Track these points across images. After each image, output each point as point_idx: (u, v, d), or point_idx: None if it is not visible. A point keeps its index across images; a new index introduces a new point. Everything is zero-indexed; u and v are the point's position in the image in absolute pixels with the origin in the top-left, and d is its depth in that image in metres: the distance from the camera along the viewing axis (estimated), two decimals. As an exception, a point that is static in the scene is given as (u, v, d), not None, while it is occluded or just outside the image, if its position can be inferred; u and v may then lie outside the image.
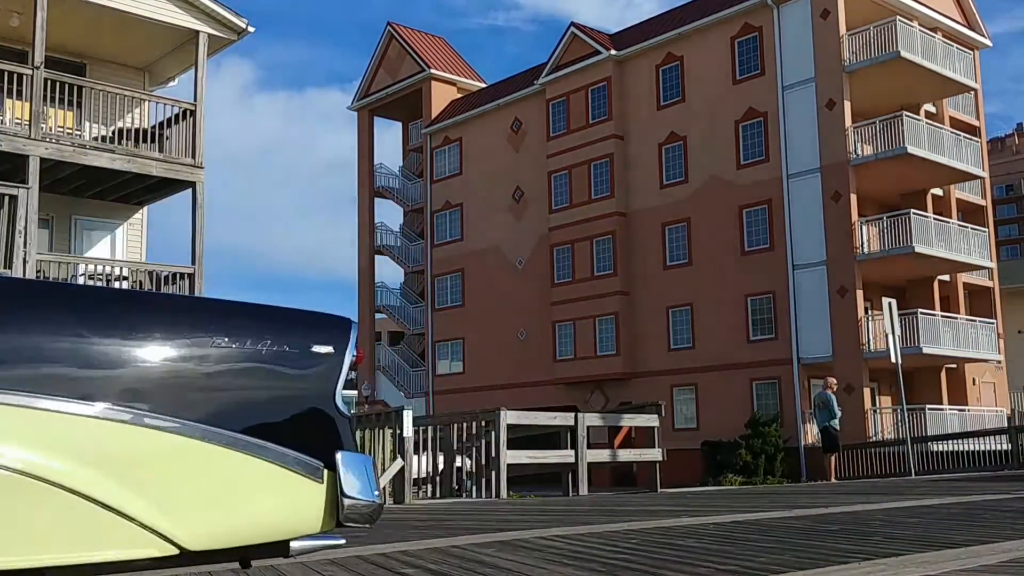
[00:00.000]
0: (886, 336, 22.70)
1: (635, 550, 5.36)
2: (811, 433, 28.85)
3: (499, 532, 6.71)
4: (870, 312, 30.47)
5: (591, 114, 37.53)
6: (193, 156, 19.14)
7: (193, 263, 18.78)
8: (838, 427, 20.32)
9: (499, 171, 41.17)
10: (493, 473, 13.58)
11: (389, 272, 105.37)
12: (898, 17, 31.03)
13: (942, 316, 31.31)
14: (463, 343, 41.95)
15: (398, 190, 46.48)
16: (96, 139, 18.64)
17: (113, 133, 18.79)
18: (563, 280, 37.87)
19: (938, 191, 35.15)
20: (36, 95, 17.29)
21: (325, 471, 2.90)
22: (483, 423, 13.96)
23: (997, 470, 22.88)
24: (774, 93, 32.55)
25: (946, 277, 34.35)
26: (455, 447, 14.10)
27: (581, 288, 37.07)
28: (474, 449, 14.02)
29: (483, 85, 45.25)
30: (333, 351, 3.06)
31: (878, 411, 31.13)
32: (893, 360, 21.71)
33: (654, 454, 16.20)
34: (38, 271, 17.01)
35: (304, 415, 2.97)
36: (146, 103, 20.50)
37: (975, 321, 32.91)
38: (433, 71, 44.30)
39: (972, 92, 35.85)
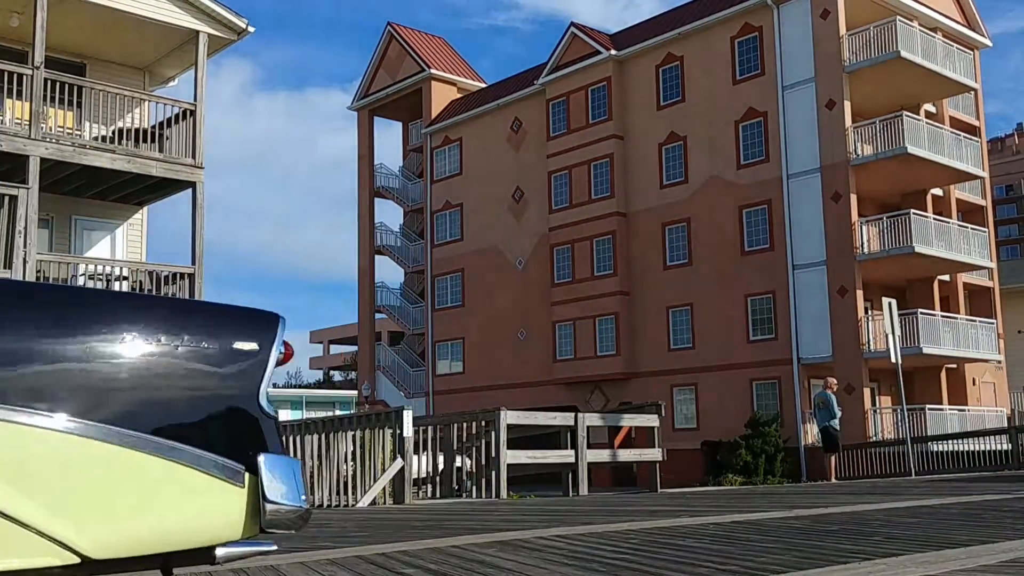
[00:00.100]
0: (886, 336, 22.70)
1: (635, 550, 5.36)
2: (811, 433, 28.84)
3: (499, 532, 6.71)
4: (870, 312, 30.47)
5: (591, 114, 37.53)
6: (193, 156, 19.14)
7: (193, 263, 18.78)
8: (838, 427, 20.32)
9: (499, 171, 41.16)
10: (493, 473, 13.58)
11: (389, 272, 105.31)
12: (898, 17, 31.03)
13: (942, 316, 31.30)
14: (463, 343, 41.95)
15: (398, 190, 46.48)
16: (96, 139, 18.65)
17: (113, 133, 18.79)
18: (563, 280, 37.87)
19: (938, 191, 35.15)
20: (36, 95, 17.29)
21: (247, 475, 2.76)
22: (483, 423, 13.96)
23: (997, 470, 22.89)
24: (774, 93, 32.55)
25: (946, 277, 34.35)
26: (455, 447, 14.10)
27: (581, 288, 37.07)
28: (474, 449, 14.02)
29: (483, 85, 45.25)
30: (258, 348, 2.92)
31: (878, 411, 31.13)
32: (893, 360, 21.72)
33: (654, 454, 16.20)
34: (38, 271, 17.01)
35: (224, 416, 2.83)
36: (146, 103, 20.50)
37: (975, 321, 32.91)
38: (433, 71, 44.30)
39: (972, 92, 35.84)
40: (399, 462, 12.60)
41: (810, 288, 31.17)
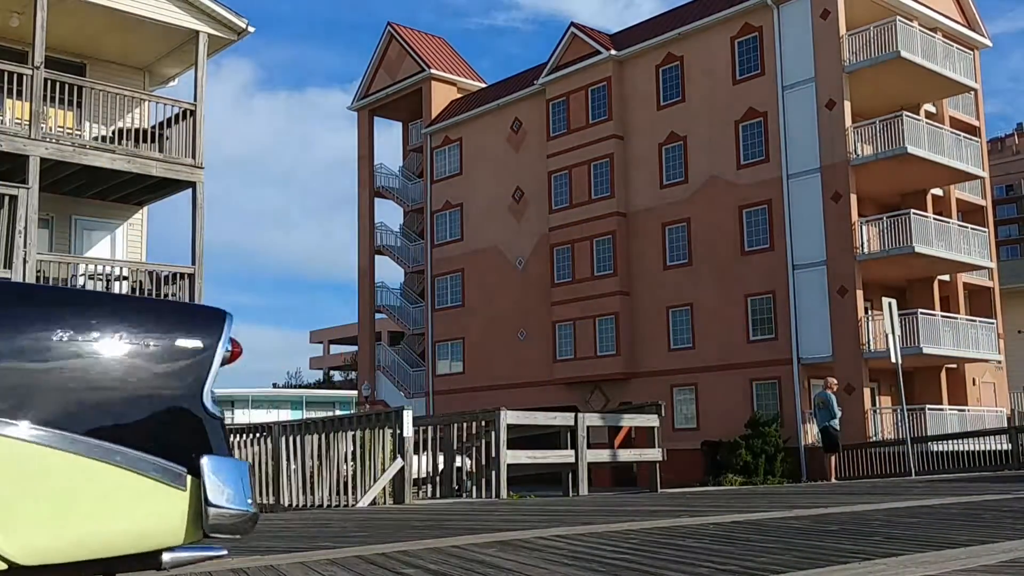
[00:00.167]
0: (886, 336, 22.70)
1: (635, 550, 5.36)
2: (811, 433, 28.84)
3: (499, 532, 6.71)
4: (870, 312, 30.47)
5: (591, 114, 37.53)
6: (193, 156, 19.14)
7: (193, 263, 18.78)
8: (838, 427, 20.33)
9: (499, 171, 41.16)
10: (493, 473, 13.58)
11: (389, 272, 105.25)
12: (898, 17, 31.03)
13: (942, 316, 31.30)
14: (463, 343, 41.95)
15: (398, 190, 46.48)
16: (96, 139, 18.65)
17: (113, 133, 18.80)
18: (563, 280, 37.87)
19: (938, 191, 35.15)
20: (36, 95, 17.29)
21: (189, 477, 2.66)
22: (483, 423, 13.95)
23: (997, 470, 22.89)
24: (774, 93, 32.55)
25: (946, 277, 34.35)
26: (455, 447, 14.10)
27: (581, 288, 37.07)
28: (474, 449, 14.02)
29: (483, 85, 45.25)
30: (202, 346, 2.81)
31: (878, 411, 31.12)
32: (893, 360, 21.72)
33: (654, 454, 16.20)
34: (38, 271, 17.01)
35: (165, 416, 2.72)
36: (146, 103, 20.51)
37: (975, 321, 32.90)
38: (433, 71, 44.30)
39: (972, 92, 35.84)
40: (399, 462, 12.60)
41: (810, 288, 31.17)
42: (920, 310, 30.33)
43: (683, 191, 34.86)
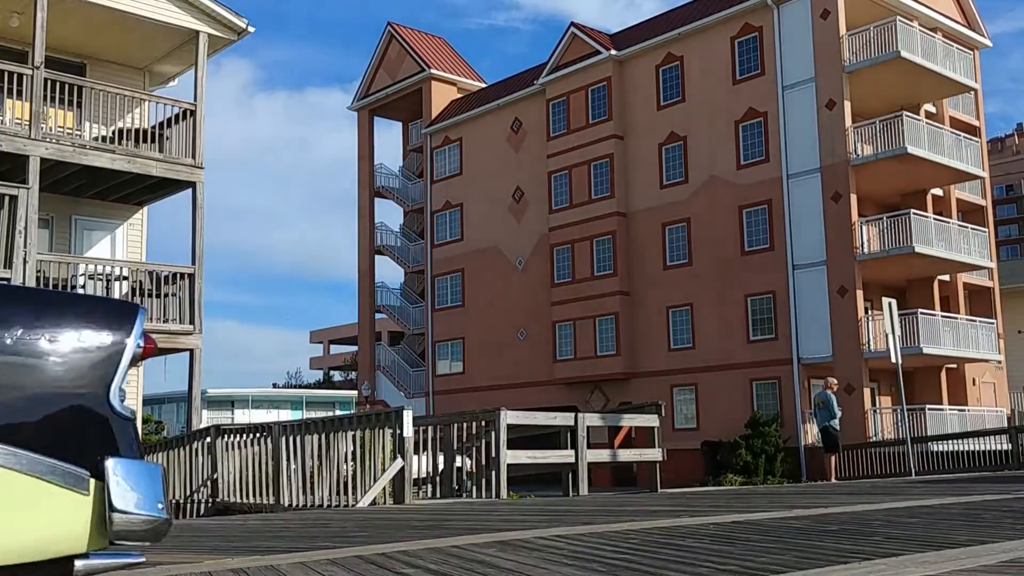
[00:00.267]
0: (886, 336, 22.70)
1: (636, 550, 5.36)
2: (811, 433, 28.85)
3: (499, 532, 6.71)
4: (870, 312, 30.47)
5: (591, 114, 37.53)
6: (193, 156, 19.15)
7: (193, 263, 18.79)
8: (838, 427, 20.33)
9: (499, 171, 41.17)
10: (493, 473, 13.57)
11: (389, 272, 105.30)
12: (898, 17, 31.03)
13: (942, 316, 31.30)
14: (463, 343, 41.95)
15: (398, 190, 46.49)
16: (96, 139, 18.65)
17: (113, 133, 18.80)
18: (563, 280, 37.87)
19: (938, 191, 35.16)
20: (36, 95, 17.30)
21: (92, 481, 2.51)
22: (483, 423, 13.95)
23: (997, 470, 22.90)
24: (774, 93, 32.55)
25: (946, 277, 34.36)
26: (455, 447, 14.09)
27: (581, 288, 37.07)
28: (474, 449, 14.01)
29: (483, 85, 45.26)
30: (110, 342, 2.65)
31: (878, 411, 31.13)
32: (893, 360, 21.72)
33: (654, 454, 16.20)
34: (38, 271, 17.01)
35: (67, 416, 2.55)
36: (146, 103, 20.51)
37: (975, 321, 32.91)
38: (433, 71, 44.30)
39: (972, 92, 35.85)
40: (399, 462, 12.60)
41: (810, 288, 31.17)
42: (920, 310, 30.33)
43: (683, 191, 34.86)
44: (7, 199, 16.45)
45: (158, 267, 18.95)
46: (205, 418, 39.95)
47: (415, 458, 13.20)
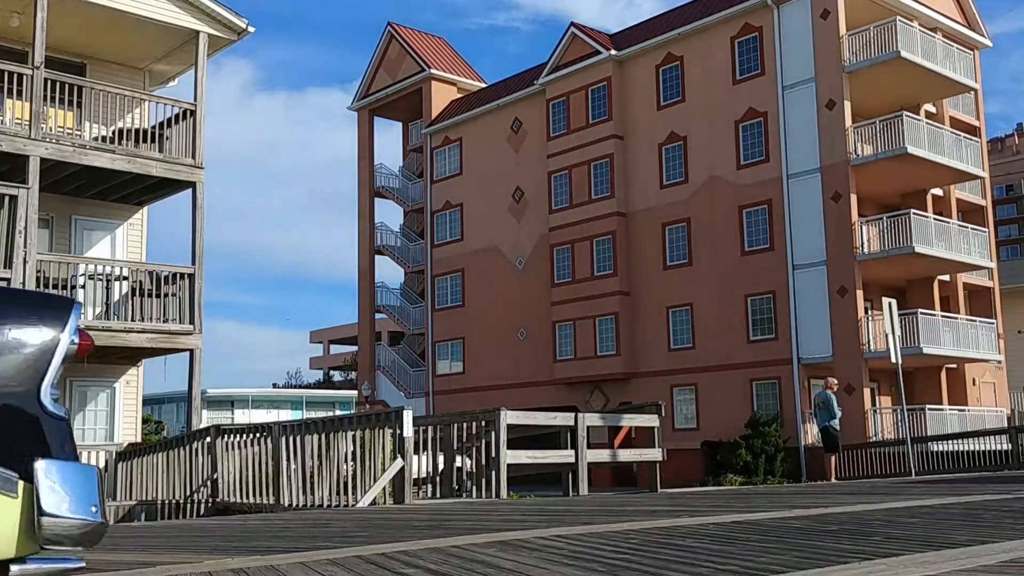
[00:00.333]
0: (886, 336, 22.70)
1: (636, 550, 5.36)
2: (811, 433, 28.85)
3: (499, 532, 6.71)
4: (870, 312, 30.47)
5: (591, 114, 37.53)
6: (193, 156, 19.15)
7: (193, 263, 18.79)
8: (838, 427, 20.33)
9: (499, 171, 41.17)
10: (493, 473, 13.57)
11: (389, 272, 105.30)
12: (898, 17, 31.03)
13: (942, 316, 31.30)
14: (463, 343, 41.95)
15: (398, 190, 46.49)
16: (96, 139, 18.66)
17: (113, 133, 18.81)
18: (563, 280, 37.88)
19: (938, 191, 35.15)
20: (36, 95, 17.30)
21: (21, 483, 2.41)
22: (483, 423, 13.95)
23: (997, 470, 22.89)
24: (774, 93, 32.55)
25: (946, 277, 34.36)
26: (455, 447, 14.10)
27: (581, 288, 37.07)
28: (474, 449, 14.02)
29: (483, 85, 45.25)
30: (42, 339, 2.54)
31: (878, 411, 31.13)
32: (893, 360, 21.72)
33: (654, 454, 16.20)
34: (38, 271, 17.01)
35: None
36: (146, 103, 20.52)
37: (975, 321, 32.91)
38: (433, 71, 44.30)
39: (972, 92, 35.85)
40: (399, 462, 12.60)
41: (810, 288, 31.17)
42: (920, 310, 30.33)
43: (683, 191, 34.86)
44: (7, 199, 16.45)
45: (158, 267, 18.95)
46: (205, 418, 39.95)
47: (415, 458, 13.20)
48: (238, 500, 15.21)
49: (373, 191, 46.18)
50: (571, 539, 6.10)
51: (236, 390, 58.75)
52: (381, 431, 12.89)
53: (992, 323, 33.68)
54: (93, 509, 2.49)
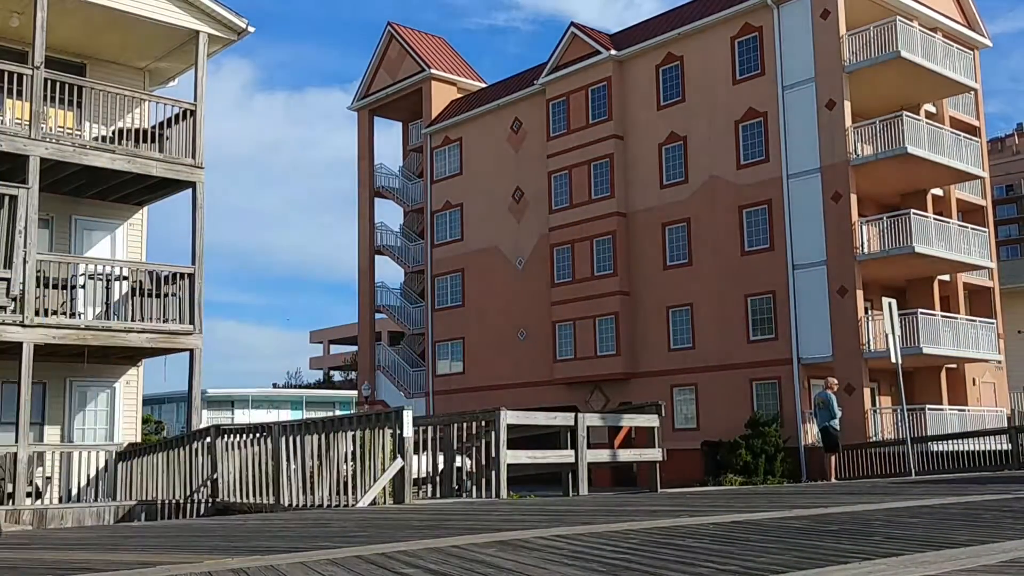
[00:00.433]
0: (886, 336, 22.70)
1: (636, 550, 5.36)
2: (811, 433, 28.85)
3: (499, 532, 6.71)
4: (870, 312, 30.47)
5: (591, 114, 37.53)
6: (193, 156, 19.15)
7: (193, 263, 18.79)
8: (838, 427, 20.34)
9: (499, 171, 41.17)
10: (493, 473, 13.57)
11: (389, 272, 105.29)
12: (898, 17, 31.02)
13: (942, 316, 31.30)
14: (463, 343, 41.95)
15: (398, 190, 46.49)
16: (96, 139, 18.66)
17: (113, 133, 18.80)
18: (563, 280, 37.87)
19: (938, 191, 35.15)
20: (36, 95, 17.30)
21: None
22: (483, 423, 13.95)
23: (997, 470, 22.90)
24: (774, 93, 32.55)
25: (946, 277, 34.35)
26: (455, 447, 14.10)
27: (581, 288, 37.07)
28: (474, 449, 14.02)
29: (483, 85, 45.25)
30: None
31: (878, 411, 31.12)
32: (893, 360, 21.72)
33: (654, 454, 16.20)
34: (38, 271, 17.01)
35: None
36: (146, 103, 20.51)
37: (975, 321, 32.91)
38: (433, 71, 44.30)
39: (972, 92, 35.84)
40: (399, 462, 12.60)
41: (810, 288, 31.17)
42: (920, 310, 30.33)
43: (683, 191, 34.86)
44: (7, 199, 16.45)
45: (158, 267, 18.95)
46: (205, 418, 39.96)
47: (415, 458, 13.20)
48: (238, 500, 15.21)
49: (373, 191, 46.18)
50: (571, 539, 6.10)
51: (236, 390, 58.77)
52: (381, 431, 12.89)
53: (992, 323, 33.68)
54: None
